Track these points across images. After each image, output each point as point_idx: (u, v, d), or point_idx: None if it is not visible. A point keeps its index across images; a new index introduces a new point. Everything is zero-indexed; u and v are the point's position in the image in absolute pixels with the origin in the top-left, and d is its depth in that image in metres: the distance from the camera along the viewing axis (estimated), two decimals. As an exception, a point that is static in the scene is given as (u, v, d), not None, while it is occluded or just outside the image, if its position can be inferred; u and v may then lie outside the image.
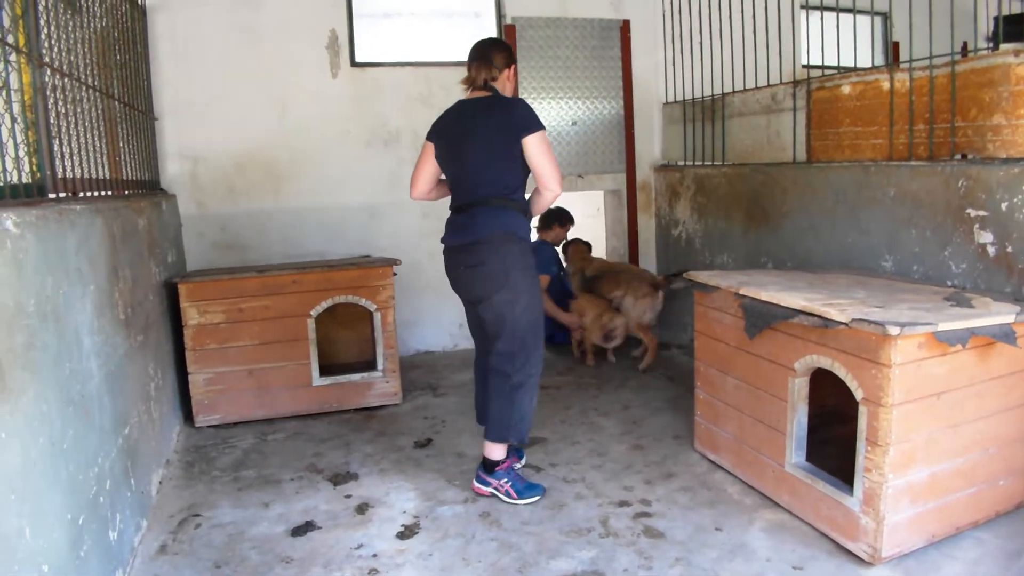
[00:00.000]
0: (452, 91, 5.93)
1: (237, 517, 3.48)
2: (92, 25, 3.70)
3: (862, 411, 2.86)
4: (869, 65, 6.84)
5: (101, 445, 2.77)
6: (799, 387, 3.22)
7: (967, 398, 2.92)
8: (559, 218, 6.27)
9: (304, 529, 3.34)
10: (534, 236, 6.55)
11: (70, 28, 3.30)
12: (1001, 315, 2.87)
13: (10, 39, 2.57)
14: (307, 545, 3.21)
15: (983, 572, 2.82)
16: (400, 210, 6.00)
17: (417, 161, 3.71)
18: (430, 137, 3.63)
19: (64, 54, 3.14)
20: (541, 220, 6.27)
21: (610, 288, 5.70)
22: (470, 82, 3.60)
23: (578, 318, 5.76)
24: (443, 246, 3.66)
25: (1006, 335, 2.84)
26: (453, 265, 3.63)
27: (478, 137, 3.45)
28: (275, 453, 4.23)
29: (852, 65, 4.59)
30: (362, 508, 3.54)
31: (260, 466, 4.05)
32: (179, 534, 3.33)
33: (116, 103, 4.05)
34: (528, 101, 6.20)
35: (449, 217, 3.64)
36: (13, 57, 2.62)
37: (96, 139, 3.54)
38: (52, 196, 2.82)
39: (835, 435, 3.55)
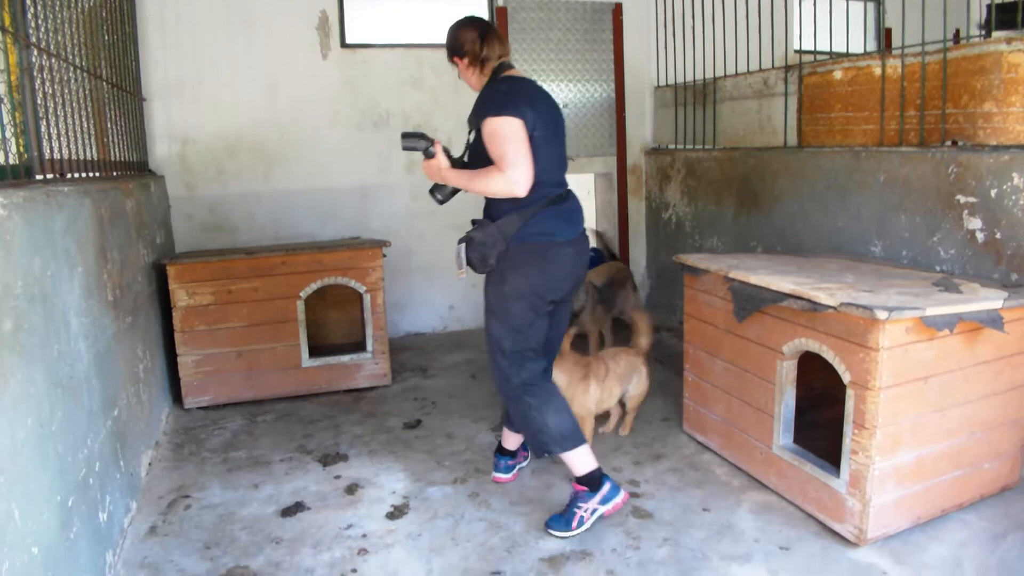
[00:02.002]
0: (443, 73, 5.94)
1: (227, 498, 3.49)
2: (79, 4, 3.67)
3: (849, 394, 2.88)
4: (861, 51, 6.84)
5: (90, 427, 2.76)
6: (787, 370, 3.23)
7: (954, 383, 2.95)
8: None
9: (294, 510, 3.35)
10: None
11: (57, 7, 3.26)
12: (989, 301, 2.89)
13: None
14: (297, 525, 3.22)
15: (968, 554, 2.85)
16: (390, 192, 5.99)
17: (515, 144, 2.92)
18: (519, 114, 2.94)
19: (51, 34, 3.10)
20: None
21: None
22: (500, 58, 3.19)
23: None
24: (559, 240, 3.10)
25: (993, 321, 2.86)
26: (575, 255, 3.18)
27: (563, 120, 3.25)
28: (265, 434, 4.24)
29: (844, 51, 4.59)
30: (352, 489, 3.54)
31: (250, 447, 4.06)
32: (169, 515, 3.34)
33: (104, 84, 4.01)
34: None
35: (556, 206, 3.10)
36: (-1, 36, 2.60)
37: (84, 120, 3.51)
38: (39, 178, 2.80)
39: (822, 418, 3.57)
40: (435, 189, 3.22)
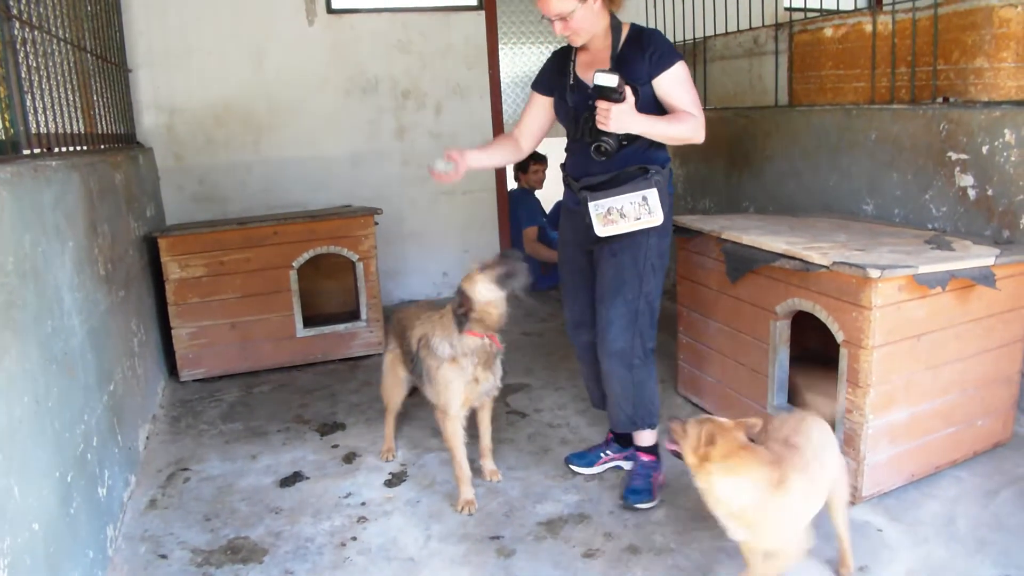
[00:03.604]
0: (431, 38, 5.88)
1: (225, 470, 3.50)
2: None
3: (843, 353, 2.89)
4: (852, 7, 6.78)
5: (86, 402, 2.77)
6: (781, 330, 3.24)
7: (946, 340, 2.96)
8: (537, 156, 6.14)
9: (292, 480, 3.37)
10: (513, 184, 6.54)
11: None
12: (981, 258, 2.89)
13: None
14: (296, 495, 3.24)
15: (962, 510, 2.89)
16: (381, 159, 5.96)
17: (694, 88, 2.87)
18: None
19: (33, 6, 3.06)
20: (519, 164, 6.16)
21: None
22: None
23: None
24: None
25: (985, 277, 2.86)
26: None
27: None
28: (261, 405, 4.25)
29: (835, 7, 4.55)
30: (349, 457, 3.56)
31: (247, 418, 4.07)
32: (168, 488, 3.35)
33: (88, 55, 3.96)
34: (507, 46, 6.14)
35: None
36: (-21, 9, 2.55)
37: (69, 93, 3.47)
38: (26, 152, 2.77)
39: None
40: (605, 138, 2.74)
